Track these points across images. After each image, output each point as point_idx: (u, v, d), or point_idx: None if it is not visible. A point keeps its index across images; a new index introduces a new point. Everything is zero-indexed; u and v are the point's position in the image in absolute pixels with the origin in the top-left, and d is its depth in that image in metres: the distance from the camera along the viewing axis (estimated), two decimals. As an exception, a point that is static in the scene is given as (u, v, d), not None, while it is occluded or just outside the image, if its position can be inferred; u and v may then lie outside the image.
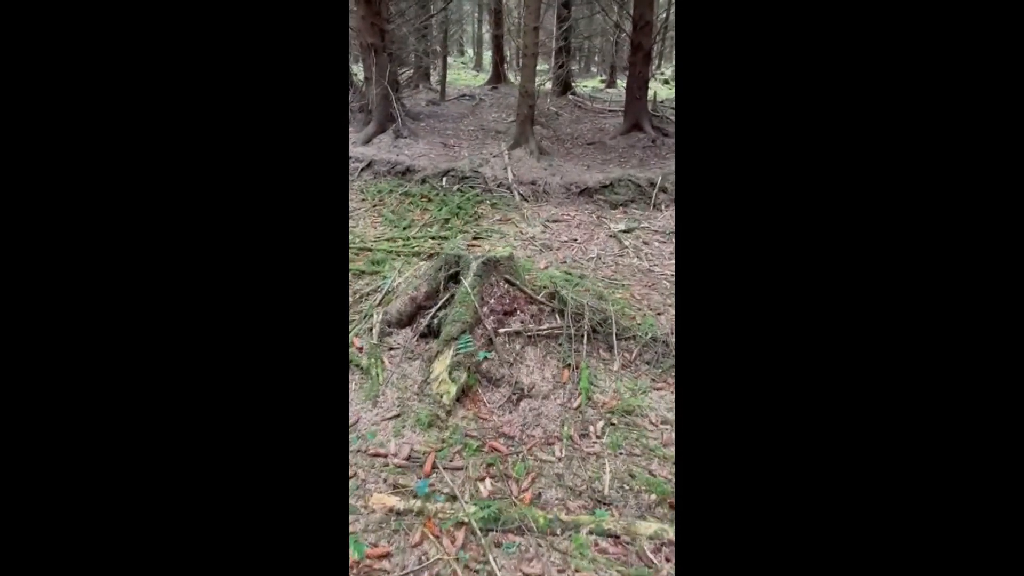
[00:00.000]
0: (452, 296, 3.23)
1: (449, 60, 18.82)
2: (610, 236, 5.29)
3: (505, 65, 15.74)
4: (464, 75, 19.70)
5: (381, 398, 2.82)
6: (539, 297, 3.39)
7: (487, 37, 21.70)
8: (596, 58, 24.50)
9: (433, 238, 5.08)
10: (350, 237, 5.21)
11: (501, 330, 3.12)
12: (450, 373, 2.82)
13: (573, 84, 13.62)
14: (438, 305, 3.25)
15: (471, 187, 6.81)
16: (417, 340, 3.20)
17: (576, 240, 5.14)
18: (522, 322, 3.21)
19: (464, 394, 2.81)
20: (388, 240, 5.02)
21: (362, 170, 7.66)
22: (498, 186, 7.05)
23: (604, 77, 19.20)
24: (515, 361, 3.05)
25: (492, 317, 3.12)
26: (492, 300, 3.17)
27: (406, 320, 3.28)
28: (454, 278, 3.28)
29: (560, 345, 3.21)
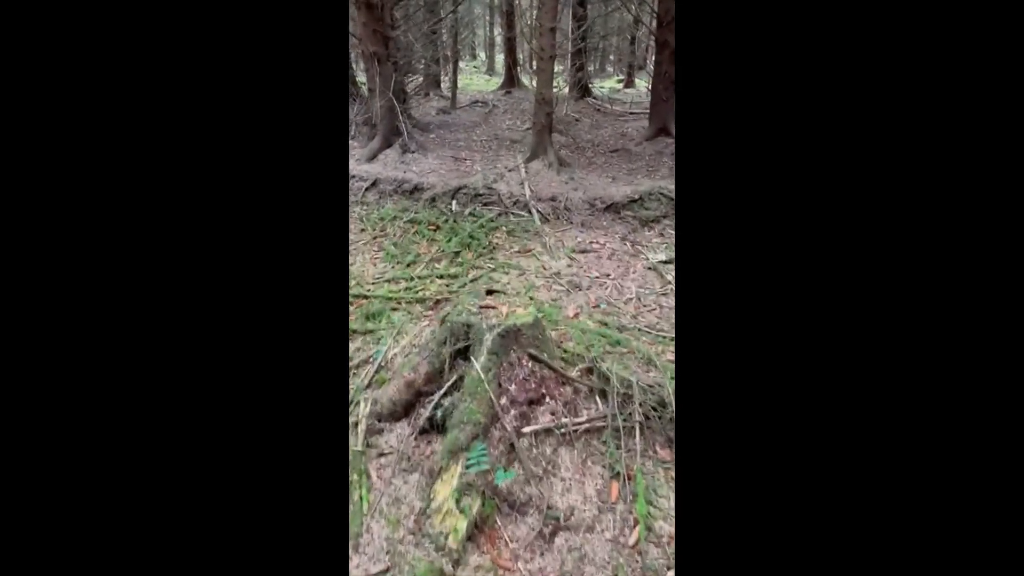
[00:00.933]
0: (460, 378, 2.47)
1: (461, 65, 18.18)
2: (648, 268, 4.48)
3: (518, 68, 14.99)
4: (476, 80, 19.02)
5: (365, 537, 2.06)
6: (573, 375, 2.61)
7: (499, 40, 21.00)
8: (611, 57, 23.63)
9: (441, 277, 4.33)
10: (344, 279, 4.47)
11: (526, 428, 2.34)
12: (458, 500, 2.05)
13: (591, 86, 12.81)
14: (443, 390, 2.49)
15: (485, 207, 6.06)
16: (416, 439, 2.44)
17: (609, 276, 4.34)
18: (553, 413, 2.44)
19: (478, 529, 2.04)
20: (388, 282, 4.28)
21: (367, 189, 6.97)
22: (514, 204, 6.29)
23: (621, 77, 18.33)
24: (545, 473, 2.27)
25: (514, 410, 2.34)
26: (513, 385, 2.39)
27: (401, 411, 2.52)
28: (463, 353, 2.51)
29: (604, 443, 2.42)
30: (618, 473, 2.31)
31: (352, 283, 4.28)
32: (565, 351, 2.84)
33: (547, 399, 2.47)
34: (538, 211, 6.01)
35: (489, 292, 3.35)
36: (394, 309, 3.84)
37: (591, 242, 5.02)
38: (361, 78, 10.13)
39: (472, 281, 4.22)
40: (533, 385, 2.46)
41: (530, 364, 2.51)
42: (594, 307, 3.82)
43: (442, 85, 13.86)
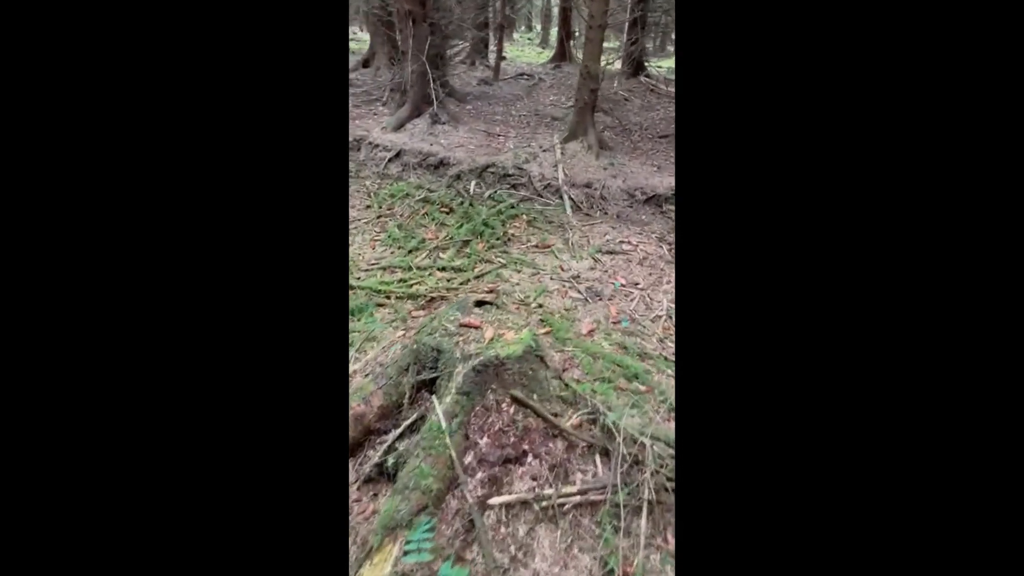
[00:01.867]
0: (422, 418, 1.92)
1: (515, 36, 17.24)
2: (687, 279, 3.78)
3: (572, 41, 14.06)
4: (528, 51, 18.13)
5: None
6: (568, 424, 2.02)
7: (555, 11, 19.93)
8: (673, 35, 22.17)
9: (443, 269, 3.78)
10: (335, 263, 3.96)
11: (494, 500, 1.78)
12: (387, 598, 1.51)
13: (647, 64, 11.81)
14: (399, 430, 1.95)
15: (512, 189, 5.45)
16: (359, 489, 1.91)
17: (638, 285, 3.68)
18: (534, 478, 1.86)
19: (409, 640, 1.51)
20: (383, 270, 3.76)
21: (390, 161, 6.46)
22: (545, 188, 5.66)
23: (683, 56, 16.98)
24: (514, 563, 1.71)
25: (481, 472, 1.78)
26: (485, 438, 1.83)
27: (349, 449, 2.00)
28: (429, 385, 1.95)
29: (599, 524, 1.84)
30: (612, 570, 1.73)
31: (343, 268, 3.79)
32: (566, 385, 2.25)
33: (529, 458, 1.89)
34: (570, 198, 5.36)
35: (479, 304, 2.77)
36: (381, 305, 3.32)
37: (621, 241, 4.35)
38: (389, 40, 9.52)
39: (477, 278, 3.65)
40: (513, 439, 1.89)
41: (512, 409, 1.94)
42: (614, 323, 3.19)
43: (489, 55, 13.13)
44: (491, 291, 3.53)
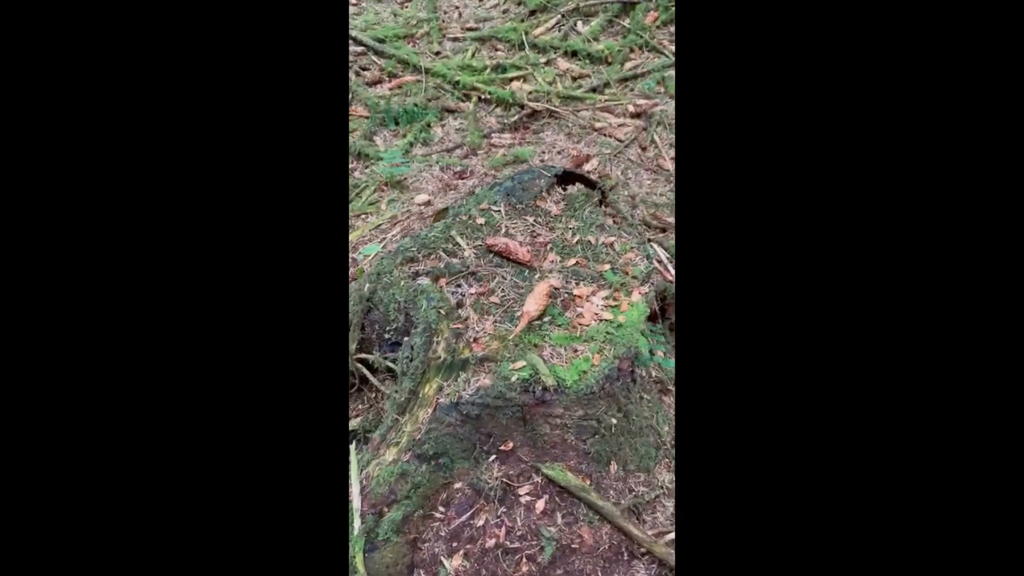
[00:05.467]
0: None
1: None
2: None
3: None
4: None
5: None
6: (663, 546, 0.87)
7: None
8: None
9: (573, 55, 2.26)
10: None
11: None
12: None
13: None
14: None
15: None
16: None
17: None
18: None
19: None
20: (481, 43, 2.35)
21: None
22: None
23: None
24: None
25: None
26: (462, 560, 0.78)
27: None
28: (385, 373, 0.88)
29: None
30: None
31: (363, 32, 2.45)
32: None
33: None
34: None
35: (565, 179, 1.35)
36: (451, 110, 2.06)
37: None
38: None
39: (624, 81, 2.12)
40: (532, 568, 0.83)
41: (542, 501, 0.82)
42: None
43: None
44: (637, 114, 2.02)
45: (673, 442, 1.12)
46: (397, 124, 2.02)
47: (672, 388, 1.19)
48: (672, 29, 2.47)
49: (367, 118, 2.07)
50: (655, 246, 1.65)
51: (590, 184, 1.29)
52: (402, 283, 1.00)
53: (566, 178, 1.29)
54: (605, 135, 2.07)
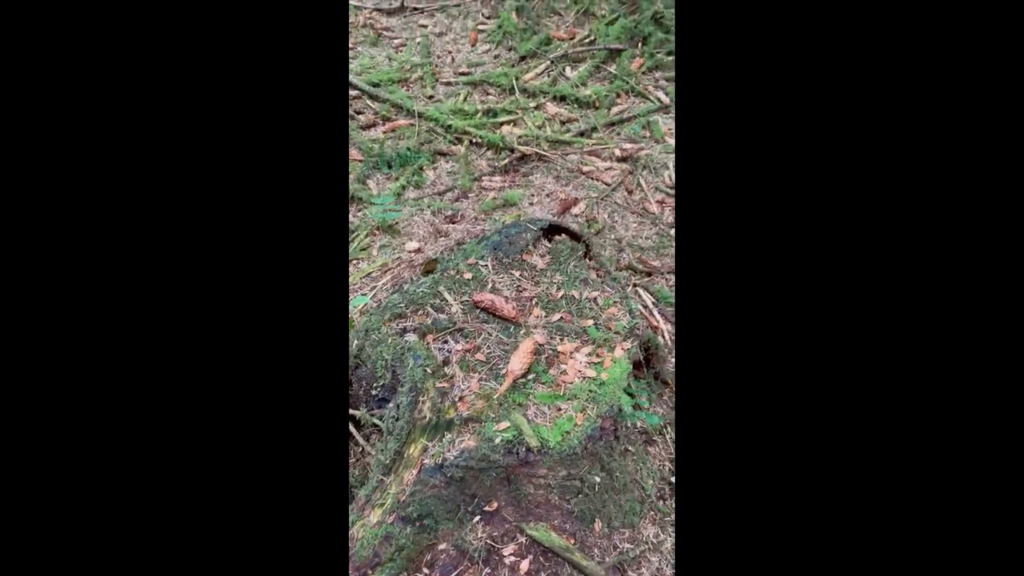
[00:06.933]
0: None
1: None
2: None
3: None
4: None
5: None
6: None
7: None
8: None
9: (561, 99, 2.33)
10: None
11: None
12: None
13: None
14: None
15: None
16: None
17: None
18: None
19: None
20: (473, 87, 2.42)
21: None
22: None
23: None
24: None
25: None
26: None
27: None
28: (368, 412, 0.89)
29: None
30: None
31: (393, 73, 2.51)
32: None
33: None
34: None
35: (550, 233, 1.39)
36: (442, 153, 2.11)
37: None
38: None
39: (610, 126, 2.17)
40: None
41: (527, 562, 0.83)
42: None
43: None
44: (623, 158, 2.08)
45: (659, 494, 1.13)
46: (390, 168, 2.06)
47: (657, 439, 1.21)
48: (657, 75, 2.56)
49: (361, 161, 2.12)
50: (641, 291, 1.68)
51: (575, 236, 1.32)
52: (390, 340, 1.02)
53: (552, 230, 1.33)
54: (592, 179, 2.12)
